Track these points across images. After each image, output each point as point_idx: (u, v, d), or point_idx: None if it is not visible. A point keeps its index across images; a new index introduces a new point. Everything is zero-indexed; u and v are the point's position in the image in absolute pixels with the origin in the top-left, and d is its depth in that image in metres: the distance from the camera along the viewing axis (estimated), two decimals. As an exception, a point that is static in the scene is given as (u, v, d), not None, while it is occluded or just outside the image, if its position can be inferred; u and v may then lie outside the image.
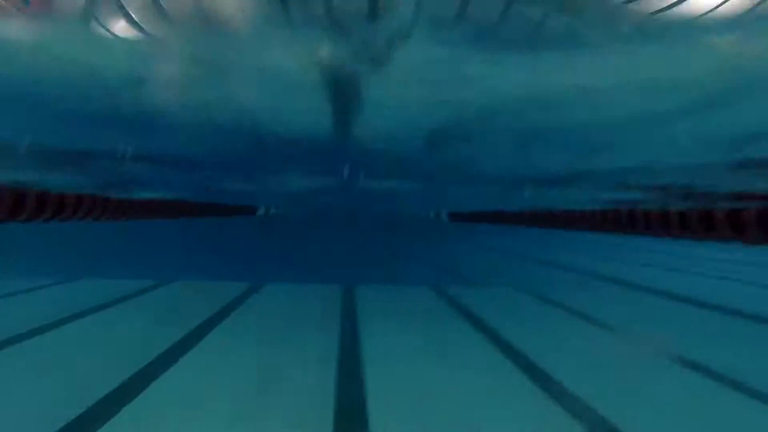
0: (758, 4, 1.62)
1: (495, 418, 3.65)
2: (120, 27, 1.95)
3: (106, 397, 3.88)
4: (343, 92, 2.61)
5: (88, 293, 8.23)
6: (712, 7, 1.63)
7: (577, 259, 16.84)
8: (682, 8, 1.66)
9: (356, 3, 1.79)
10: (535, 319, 7.37)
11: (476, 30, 2.01)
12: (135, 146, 3.78)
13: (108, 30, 1.95)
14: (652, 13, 1.69)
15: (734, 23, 1.69)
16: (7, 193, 4.11)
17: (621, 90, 2.31)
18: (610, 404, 3.91)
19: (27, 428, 3.33)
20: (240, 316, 7.03)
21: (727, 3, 1.64)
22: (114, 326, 6.31)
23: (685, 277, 12.34)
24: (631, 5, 1.72)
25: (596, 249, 20.32)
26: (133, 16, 1.87)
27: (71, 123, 3.16)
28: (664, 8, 1.70)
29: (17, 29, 1.85)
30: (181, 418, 3.56)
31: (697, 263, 14.86)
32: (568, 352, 5.42)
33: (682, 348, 5.64)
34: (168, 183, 6.00)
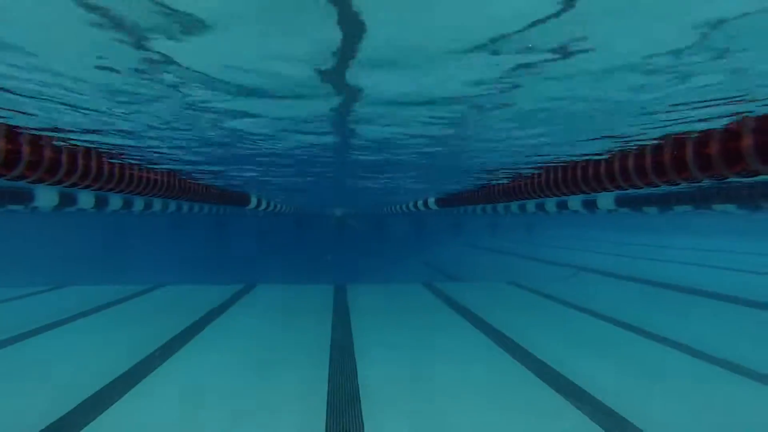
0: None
1: (490, 406, 3.74)
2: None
3: (97, 394, 3.91)
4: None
5: (79, 299, 8.16)
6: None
7: (562, 253, 17.16)
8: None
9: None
10: (528, 311, 7.52)
11: None
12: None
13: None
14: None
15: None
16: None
17: None
18: (605, 387, 4.04)
19: (17, 424, 3.35)
20: (231, 316, 7.05)
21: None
22: (104, 329, 6.29)
23: (661, 266, 12.65)
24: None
25: (579, 242, 20.76)
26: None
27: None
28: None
29: None
30: (176, 412, 3.59)
31: (670, 253, 15.27)
32: (560, 340, 5.55)
33: (668, 330, 5.82)
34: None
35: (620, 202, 8.91)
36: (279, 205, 16.54)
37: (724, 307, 7.45)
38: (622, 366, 4.65)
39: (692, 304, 7.89)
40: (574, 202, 9.45)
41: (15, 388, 4.12)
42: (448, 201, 12.00)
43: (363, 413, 3.58)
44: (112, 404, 3.74)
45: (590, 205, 9.50)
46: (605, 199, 8.92)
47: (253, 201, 13.09)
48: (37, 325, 6.24)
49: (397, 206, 17.73)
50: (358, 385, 4.14)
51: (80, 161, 4.83)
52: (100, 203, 9.72)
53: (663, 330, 5.86)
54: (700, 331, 5.91)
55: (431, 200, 13.23)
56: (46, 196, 8.37)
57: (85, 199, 9.23)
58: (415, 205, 15.19)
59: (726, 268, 11.40)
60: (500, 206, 12.23)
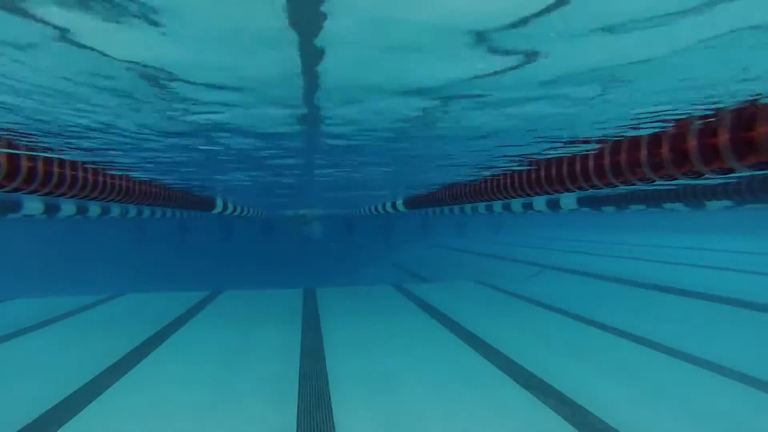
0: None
1: (459, 402, 3.79)
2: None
3: (58, 405, 3.69)
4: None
5: (24, 312, 7.64)
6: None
7: (529, 252, 17.71)
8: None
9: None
10: (494, 309, 7.68)
11: None
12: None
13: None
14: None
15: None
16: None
17: None
18: (570, 381, 4.18)
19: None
20: (198, 323, 6.81)
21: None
22: (54, 344, 5.91)
23: (612, 261, 13.28)
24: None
25: (545, 241, 21.50)
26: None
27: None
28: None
29: None
30: (141, 426, 3.43)
31: (621, 249, 16.07)
32: (526, 337, 5.71)
33: (627, 324, 6.10)
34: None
35: (581, 201, 9.29)
36: (245, 209, 16.18)
37: (688, 302, 7.83)
38: (588, 362, 4.83)
39: (654, 299, 8.29)
40: (539, 202, 9.77)
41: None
42: (415, 202, 12.12)
43: (334, 416, 3.55)
44: (67, 421, 3.52)
45: (554, 205, 9.85)
46: (568, 199, 9.28)
47: (219, 205, 12.73)
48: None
49: (366, 208, 17.75)
50: (328, 388, 4.09)
51: (24, 163, 4.53)
52: (50, 209, 9.16)
53: (627, 326, 6.11)
54: (663, 326, 6.18)
55: (399, 202, 13.33)
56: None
57: (33, 205, 8.67)
58: (384, 207, 15.26)
59: (683, 264, 12.06)
60: (467, 206, 12.48)
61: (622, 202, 8.70)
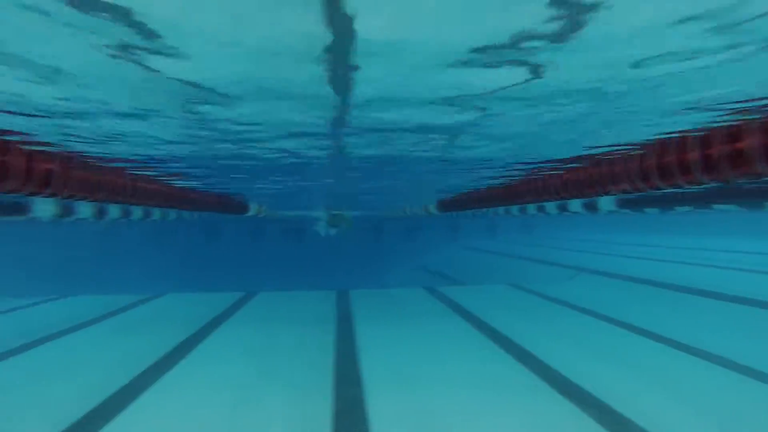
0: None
1: (494, 408, 3.71)
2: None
3: (100, 405, 3.87)
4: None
5: (81, 309, 8.08)
6: None
7: (564, 255, 17.17)
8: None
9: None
10: (529, 312, 7.49)
11: None
12: None
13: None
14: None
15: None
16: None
17: None
18: (610, 390, 4.01)
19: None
20: (234, 324, 6.99)
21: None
22: (107, 339, 6.21)
23: (658, 265, 12.65)
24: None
25: (581, 244, 20.77)
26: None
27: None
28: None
29: None
30: (179, 424, 3.54)
31: (666, 252, 15.28)
32: (563, 341, 5.53)
33: (667, 330, 5.81)
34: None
35: (621, 203, 8.92)
36: (272, 211, 16.48)
37: (727, 307, 7.43)
38: (626, 368, 4.63)
39: (694, 304, 7.87)
40: (575, 203, 9.45)
41: (18, 398, 4.06)
42: (448, 205, 12.00)
43: (368, 419, 3.54)
44: (114, 416, 3.68)
45: (591, 207, 9.50)
46: (606, 201, 8.93)
47: (253, 208, 13.04)
48: (41, 335, 6.17)
49: (397, 210, 17.74)
50: (362, 390, 4.10)
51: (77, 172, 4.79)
52: (100, 213, 9.66)
53: (666, 331, 5.83)
54: (702, 331, 5.88)
55: (431, 206, 13.24)
56: (44, 207, 8.31)
57: (84, 209, 9.18)
58: (414, 211, 15.19)
59: (727, 268, 11.39)
60: (500, 208, 12.23)
61: (667, 203, 8.29)
